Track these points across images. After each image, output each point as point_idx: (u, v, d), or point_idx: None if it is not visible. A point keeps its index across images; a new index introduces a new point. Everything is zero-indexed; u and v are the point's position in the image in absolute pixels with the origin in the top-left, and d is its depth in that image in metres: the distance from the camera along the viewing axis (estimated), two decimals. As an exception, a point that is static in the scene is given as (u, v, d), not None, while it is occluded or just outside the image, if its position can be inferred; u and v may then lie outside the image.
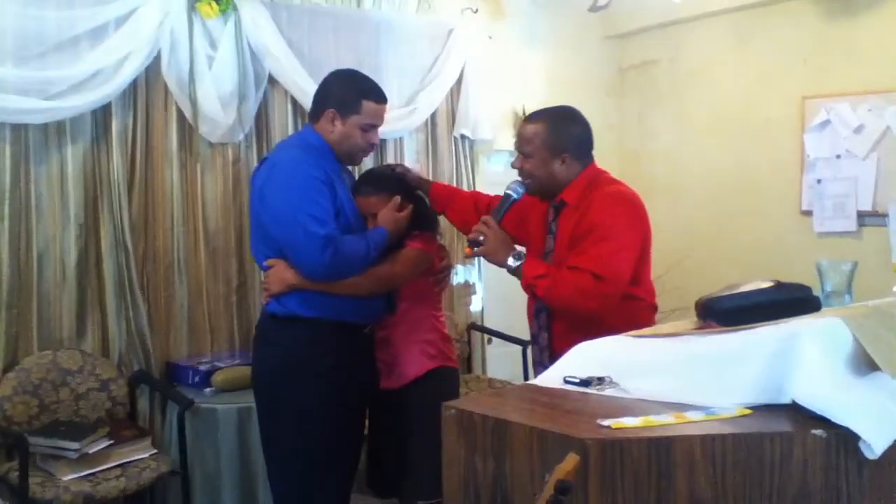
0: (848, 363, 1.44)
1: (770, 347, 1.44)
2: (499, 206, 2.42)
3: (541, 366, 2.45)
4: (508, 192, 2.42)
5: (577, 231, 2.33)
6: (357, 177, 2.76)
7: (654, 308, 2.48)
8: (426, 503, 2.52)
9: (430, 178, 4.10)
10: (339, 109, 2.48)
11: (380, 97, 2.54)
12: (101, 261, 3.21)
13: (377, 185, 2.62)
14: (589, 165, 2.45)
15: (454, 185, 4.23)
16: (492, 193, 2.90)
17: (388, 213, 2.53)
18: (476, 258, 2.90)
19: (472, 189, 4.26)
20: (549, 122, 2.42)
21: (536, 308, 2.51)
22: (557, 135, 2.40)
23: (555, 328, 2.45)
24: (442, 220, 2.89)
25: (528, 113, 4.43)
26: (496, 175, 4.49)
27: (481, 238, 2.33)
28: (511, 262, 2.32)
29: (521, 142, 2.44)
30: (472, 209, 2.78)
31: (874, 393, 1.40)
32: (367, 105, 2.49)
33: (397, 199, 2.57)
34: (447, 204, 2.84)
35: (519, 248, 2.38)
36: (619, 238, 2.30)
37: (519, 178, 2.45)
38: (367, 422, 2.74)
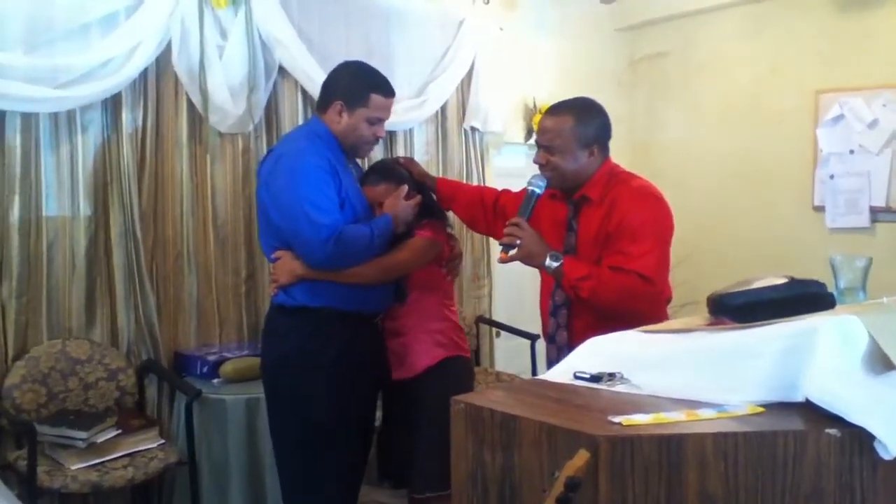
0: (863, 361, 1.42)
1: (784, 344, 1.43)
2: (524, 205, 2.34)
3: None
4: (531, 188, 2.35)
5: (607, 228, 2.28)
6: (366, 168, 2.75)
7: (669, 300, 2.45)
8: (436, 494, 2.51)
9: (440, 170, 4.11)
10: (347, 101, 2.47)
11: (388, 91, 2.53)
12: (111, 250, 3.21)
13: (385, 174, 2.63)
14: (607, 159, 2.41)
15: (464, 177, 4.22)
16: (500, 186, 2.88)
17: (394, 201, 2.53)
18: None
19: (482, 182, 4.24)
20: (576, 114, 2.35)
21: (554, 305, 2.44)
22: (586, 126, 2.34)
23: (575, 325, 2.38)
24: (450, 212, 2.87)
25: (539, 105, 4.47)
26: (506, 168, 4.48)
27: (518, 242, 2.24)
28: (550, 262, 2.24)
29: (549, 135, 2.35)
30: (479, 203, 2.75)
31: (890, 391, 1.38)
32: (375, 98, 2.49)
33: (404, 187, 2.57)
34: (453, 199, 2.80)
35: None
36: (656, 235, 2.27)
37: (538, 173, 2.38)
38: (378, 412, 2.74)
